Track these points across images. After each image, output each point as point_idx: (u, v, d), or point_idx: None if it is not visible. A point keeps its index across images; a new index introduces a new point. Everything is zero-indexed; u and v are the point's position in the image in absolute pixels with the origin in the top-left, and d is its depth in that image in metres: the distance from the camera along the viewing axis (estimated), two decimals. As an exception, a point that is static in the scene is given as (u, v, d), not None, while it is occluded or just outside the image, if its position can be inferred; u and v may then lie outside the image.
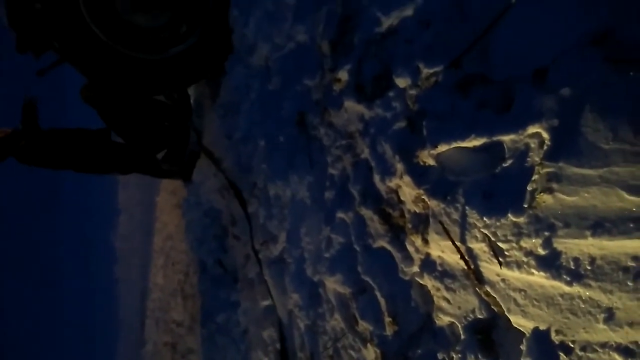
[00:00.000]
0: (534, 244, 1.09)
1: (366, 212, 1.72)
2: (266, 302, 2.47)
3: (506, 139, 1.20)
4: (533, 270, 1.09)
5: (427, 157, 1.44)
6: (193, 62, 2.93)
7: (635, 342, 0.93)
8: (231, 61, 2.92)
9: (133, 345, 4.64)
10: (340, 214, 1.87)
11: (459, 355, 1.27)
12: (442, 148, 1.38)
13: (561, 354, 1.04)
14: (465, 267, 1.27)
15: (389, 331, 1.55)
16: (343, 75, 1.93)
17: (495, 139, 1.22)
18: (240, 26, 2.76)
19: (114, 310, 5.46)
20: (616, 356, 0.95)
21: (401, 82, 1.59)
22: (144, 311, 4.37)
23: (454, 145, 1.34)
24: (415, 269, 1.47)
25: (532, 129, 1.13)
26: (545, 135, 1.10)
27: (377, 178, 1.68)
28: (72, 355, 7.11)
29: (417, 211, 1.48)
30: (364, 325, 1.67)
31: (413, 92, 1.55)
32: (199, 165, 3.39)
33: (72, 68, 2.94)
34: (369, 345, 1.64)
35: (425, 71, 1.49)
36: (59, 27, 2.71)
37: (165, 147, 3.57)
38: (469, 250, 1.25)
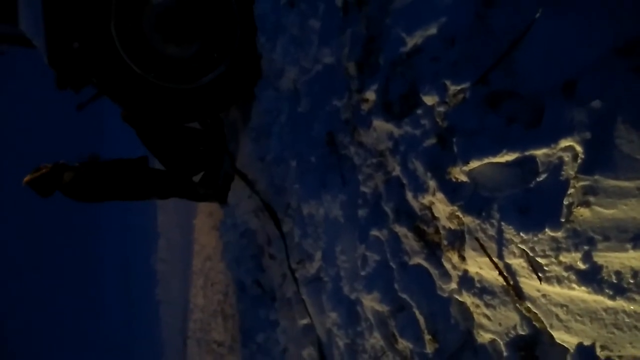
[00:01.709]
0: (574, 258, 1.08)
1: (400, 230, 1.73)
2: (304, 321, 2.49)
3: (539, 153, 1.19)
4: (574, 285, 1.08)
5: (459, 174, 1.45)
6: (224, 89, 3.02)
7: (686, 357, 0.91)
8: (260, 86, 3.00)
9: (176, 367, 4.73)
10: (374, 232, 1.88)
11: (503, 373, 1.26)
12: (474, 164, 1.38)
13: (608, 370, 1.02)
14: (505, 283, 1.26)
15: (429, 349, 1.54)
16: (370, 95, 1.96)
17: (527, 153, 1.22)
18: (268, 52, 2.84)
19: (157, 332, 5.58)
20: (667, 372, 0.93)
21: (429, 99, 1.60)
22: (185, 332, 4.45)
23: (486, 161, 1.34)
24: (454, 285, 1.46)
25: (564, 143, 1.12)
26: (578, 148, 1.09)
27: (409, 195, 1.68)
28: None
29: (452, 227, 1.48)
30: (403, 344, 1.67)
31: (441, 109, 1.56)
32: (234, 187, 3.46)
33: (109, 101, 3.07)
34: (410, 363, 1.64)
35: (453, 88, 1.50)
36: (96, 63, 2.86)
37: (201, 171, 3.67)
38: (507, 266, 1.25)
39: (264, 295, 3.09)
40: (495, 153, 1.31)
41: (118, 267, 7.84)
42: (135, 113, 3.25)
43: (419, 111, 1.66)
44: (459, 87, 1.48)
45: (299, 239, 2.55)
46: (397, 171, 1.79)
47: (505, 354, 1.26)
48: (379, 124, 1.90)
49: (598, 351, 1.05)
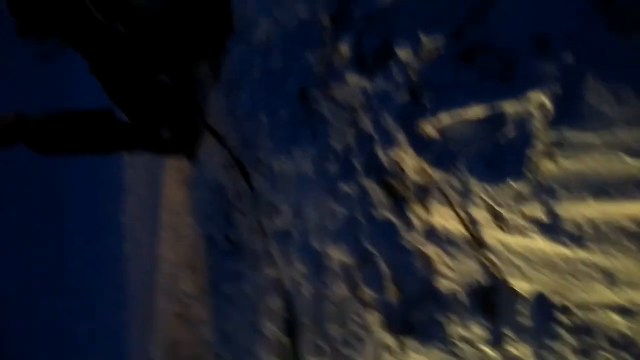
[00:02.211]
0: (536, 209, 1.11)
1: (369, 184, 1.74)
2: (272, 273, 2.51)
3: (509, 107, 1.20)
4: (534, 235, 1.12)
5: (429, 128, 1.45)
6: (194, 41, 2.92)
7: (634, 302, 0.96)
8: (232, 39, 2.90)
9: (143, 318, 4.75)
10: (343, 186, 1.89)
11: (460, 318, 1.30)
12: (445, 119, 1.38)
13: (560, 315, 1.07)
14: (467, 234, 1.29)
15: (391, 297, 1.58)
16: (344, 48, 1.92)
17: (497, 108, 1.23)
18: (241, 3, 2.74)
19: (124, 285, 5.56)
20: (614, 316, 0.98)
21: (403, 53, 1.59)
22: (153, 284, 4.45)
23: (457, 115, 1.34)
24: (418, 237, 1.49)
25: (534, 96, 1.13)
26: (547, 102, 1.10)
27: (379, 150, 1.69)
28: (82, 331, 7.27)
29: (420, 181, 1.49)
30: (367, 293, 1.70)
31: (415, 63, 1.55)
32: (204, 142, 3.40)
33: (74, 52, 2.94)
34: (372, 310, 1.68)
35: (427, 42, 1.49)
36: (59, 11, 2.70)
37: (169, 125, 3.58)
38: (471, 218, 1.27)
39: (232, 249, 3.09)
40: (466, 107, 1.31)
41: (84, 223, 7.70)
42: (100, 64, 3.12)
43: (393, 66, 1.65)
44: (433, 41, 1.47)
45: (268, 194, 2.54)
46: (368, 126, 1.78)
47: (463, 301, 1.31)
48: (352, 78, 1.87)
49: (552, 298, 1.09)
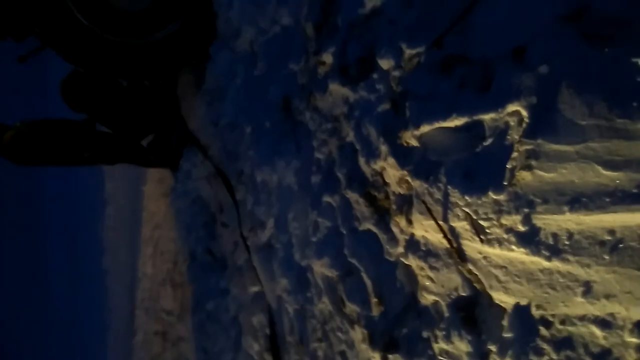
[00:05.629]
0: (514, 220, 1.11)
1: (352, 195, 1.73)
2: (255, 288, 2.48)
3: (486, 117, 1.20)
4: (513, 247, 1.11)
5: (410, 138, 1.45)
6: (177, 47, 2.90)
7: (612, 314, 0.95)
8: (216, 46, 2.89)
9: (123, 336, 4.65)
10: (326, 198, 1.87)
11: (443, 333, 1.29)
12: (425, 129, 1.38)
13: (541, 328, 1.06)
14: (448, 246, 1.28)
15: (375, 312, 1.56)
16: (327, 58, 1.92)
17: (475, 118, 1.23)
18: (225, 10, 2.74)
19: (104, 302, 5.45)
20: (594, 328, 0.97)
21: (385, 63, 1.59)
22: (133, 301, 4.36)
23: (436, 125, 1.34)
24: (400, 249, 1.48)
25: (511, 108, 1.13)
26: (524, 113, 1.11)
27: (362, 161, 1.68)
28: (62, 348, 7.09)
29: (402, 192, 1.49)
30: (351, 307, 1.68)
31: (396, 73, 1.55)
32: (186, 153, 3.37)
33: (54, 54, 2.89)
34: (356, 326, 1.65)
35: (408, 52, 1.49)
36: (40, 12, 2.66)
37: (150, 134, 3.54)
38: (452, 229, 1.27)
39: (214, 263, 3.05)
40: (445, 117, 1.31)
41: (64, 236, 7.55)
42: (81, 69, 3.07)
43: (375, 75, 1.65)
44: (414, 51, 1.47)
45: (251, 206, 2.52)
46: (350, 137, 1.78)
47: (446, 315, 1.29)
48: (335, 88, 1.87)
49: (533, 310, 1.08)
